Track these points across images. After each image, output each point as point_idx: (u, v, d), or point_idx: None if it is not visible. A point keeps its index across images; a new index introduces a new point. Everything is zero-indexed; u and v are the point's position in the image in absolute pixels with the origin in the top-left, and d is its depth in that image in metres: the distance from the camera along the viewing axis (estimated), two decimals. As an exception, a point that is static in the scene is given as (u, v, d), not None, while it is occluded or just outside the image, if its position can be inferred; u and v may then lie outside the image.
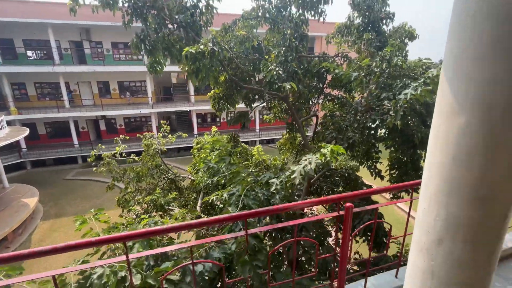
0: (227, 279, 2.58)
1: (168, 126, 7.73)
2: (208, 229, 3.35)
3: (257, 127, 27.59)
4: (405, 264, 3.06)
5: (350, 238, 2.76)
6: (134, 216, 6.06)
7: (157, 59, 4.17)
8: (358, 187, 5.43)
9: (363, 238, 5.36)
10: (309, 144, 4.56)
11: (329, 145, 2.63)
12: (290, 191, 3.08)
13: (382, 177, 5.19)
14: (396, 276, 2.97)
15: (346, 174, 5.00)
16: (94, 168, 6.40)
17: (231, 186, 3.63)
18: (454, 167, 1.16)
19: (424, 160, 5.28)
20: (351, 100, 5.48)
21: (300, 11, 4.40)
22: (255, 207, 2.61)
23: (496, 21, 0.95)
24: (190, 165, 7.94)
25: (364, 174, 6.41)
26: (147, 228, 2.73)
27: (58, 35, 20.73)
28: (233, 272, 2.53)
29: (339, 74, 3.57)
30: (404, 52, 4.36)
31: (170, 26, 3.98)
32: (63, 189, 17.99)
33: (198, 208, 5.44)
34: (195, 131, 25.01)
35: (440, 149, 1.22)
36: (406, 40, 5.84)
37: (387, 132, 4.50)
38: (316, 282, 2.82)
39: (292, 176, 2.71)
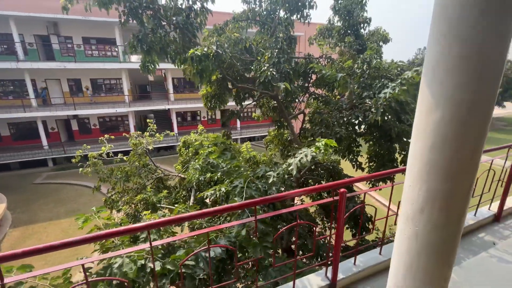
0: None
1: (155, 125, 7.68)
2: (210, 219, 3.53)
3: (238, 125, 27.72)
4: (387, 243, 3.51)
5: (344, 219, 3.10)
6: (123, 215, 6.02)
7: (149, 59, 4.20)
8: (341, 178, 5.88)
9: (346, 225, 5.85)
10: (298, 140, 4.88)
11: (322, 139, 2.95)
12: (285, 182, 3.36)
13: (362, 169, 5.69)
14: (380, 253, 3.40)
15: (331, 167, 5.42)
16: (81, 169, 6.23)
17: (231, 179, 3.83)
18: (432, 151, 1.50)
19: (398, 153, 5.84)
20: (333, 98, 5.90)
21: (288, 14, 4.68)
22: (257, 197, 2.84)
23: (461, 41, 1.29)
24: (178, 163, 7.98)
25: (345, 166, 6.91)
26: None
27: (22, 29, 19.25)
28: (240, 255, 2.74)
29: (326, 74, 3.91)
30: (380, 54, 4.86)
31: (166, 27, 4.05)
32: (33, 194, 16.88)
33: (191, 204, 5.54)
34: (175, 130, 24.55)
35: (422, 138, 1.57)
36: (381, 43, 6.40)
37: (366, 128, 4.96)
38: (314, 260, 3.14)
39: (290, 168, 2.99)
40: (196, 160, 5.78)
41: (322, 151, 2.85)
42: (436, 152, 1.52)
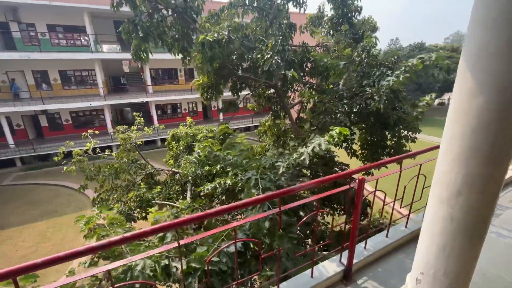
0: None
1: (142, 118, 7.28)
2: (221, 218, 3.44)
3: (221, 117, 27.30)
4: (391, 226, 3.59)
5: (361, 206, 3.18)
6: (116, 213, 5.72)
7: (143, 47, 3.88)
8: (336, 166, 6.00)
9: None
10: (298, 129, 4.88)
11: (336, 127, 2.94)
12: (293, 173, 3.35)
13: (357, 156, 5.85)
14: (386, 236, 3.53)
15: (327, 156, 5.51)
16: (65, 167, 5.77)
17: (236, 171, 3.73)
18: (473, 136, 1.53)
19: (390, 140, 6.02)
20: (327, 87, 5.93)
21: (285, 1, 4.56)
22: (273, 188, 2.81)
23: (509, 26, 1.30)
24: (169, 157, 7.69)
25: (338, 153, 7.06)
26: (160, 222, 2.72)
27: (-26, 14, 17.20)
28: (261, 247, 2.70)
29: (327, 63, 3.89)
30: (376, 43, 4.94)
31: (163, 11, 3.73)
32: (1, 197, 15.56)
33: (188, 199, 5.39)
34: (155, 124, 23.63)
35: (462, 122, 1.58)
36: (369, 32, 6.49)
37: (358, 116, 5.06)
38: (327, 248, 3.19)
39: (301, 158, 2.97)
40: (193, 153, 5.59)
41: (336, 139, 2.86)
42: (478, 137, 1.54)
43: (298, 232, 4.00)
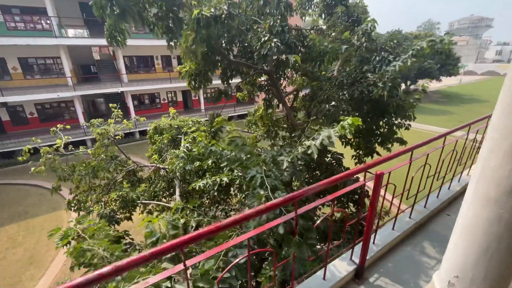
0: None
1: (119, 110, 6.60)
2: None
3: (202, 106, 26.42)
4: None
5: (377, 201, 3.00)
6: (96, 217, 5.19)
7: (120, 27, 3.27)
8: (327, 154, 5.81)
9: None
10: (294, 119, 4.58)
11: (347, 117, 2.68)
12: (296, 168, 3.08)
13: (351, 145, 5.72)
14: (393, 229, 3.41)
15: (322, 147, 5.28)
16: (33, 168, 5.07)
17: (232, 166, 3.39)
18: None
19: (382, 128, 5.90)
20: (319, 73, 5.65)
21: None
22: (280, 186, 2.52)
23: None
24: (152, 151, 7.13)
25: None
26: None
27: None
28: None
29: (328, 47, 3.58)
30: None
31: None
32: (-38, 200, 14.06)
33: (177, 197, 4.98)
34: (132, 115, 22.33)
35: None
36: (367, 15, 6.22)
37: (357, 105, 4.87)
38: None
39: (309, 152, 2.70)
40: (180, 147, 5.14)
41: (347, 130, 2.61)
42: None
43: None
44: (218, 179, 3.51)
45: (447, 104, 33.13)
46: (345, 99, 3.83)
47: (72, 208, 5.63)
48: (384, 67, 3.68)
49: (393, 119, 4.44)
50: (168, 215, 2.89)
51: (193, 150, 4.63)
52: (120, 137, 6.20)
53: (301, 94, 6.08)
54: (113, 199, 5.06)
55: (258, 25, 3.50)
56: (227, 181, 3.46)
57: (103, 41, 19.18)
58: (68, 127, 6.15)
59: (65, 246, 2.69)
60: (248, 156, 2.80)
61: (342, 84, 4.07)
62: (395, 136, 5.70)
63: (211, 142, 3.18)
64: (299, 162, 3.15)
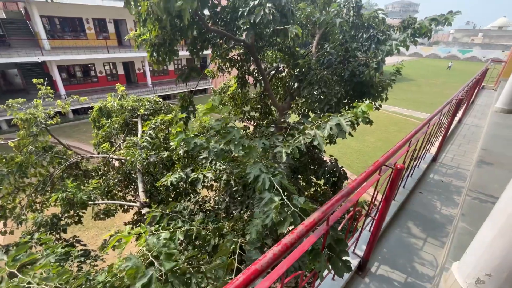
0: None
1: (49, 88, 5.10)
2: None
3: (149, 81, 23.67)
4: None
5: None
6: (32, 227, 4.07)
7: None
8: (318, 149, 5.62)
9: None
10: (276, 101, 4.11)
11: (360, 103, 2.37)
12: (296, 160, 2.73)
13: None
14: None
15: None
16: None
17: (222, 161, 2.85)
18: None
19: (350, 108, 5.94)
20: (295, 50, 5.22)
21: None
22: (291, 187, 2.14)
23: None
24: (98, 138, 5.88)
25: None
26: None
27: None
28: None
29: (320, 19, 3.12)
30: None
31: None
32: None
33: (141, 194, 4.18)
34: (61, 91, 18.72)
35: None
36: None
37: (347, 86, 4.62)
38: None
39: (315, 143, 2.35)
40: (143, 134, 4.23)
41: (360, 118, 2.32)
42: None
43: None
44: (200, 176, 2.93)
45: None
46: (336, 80, 3.54)
47: (-7, 218, 4.32)
48: (374, 46, 3.46)
49: (371, 99, 4.39)
50: (143, 228, 2.26)
51: (155, 139, 3.86)
52: (53, 123, 4.83)
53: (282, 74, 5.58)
54: (54, 202, 3.98)
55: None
56: (212, 178, 2.93)
57: None
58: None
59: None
60: (247, 151, 2.32)
61: (330, 63, 3.75)
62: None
63: (184, 130, 2.56)
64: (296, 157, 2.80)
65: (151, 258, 1.58)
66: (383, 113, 22.12)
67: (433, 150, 5.00)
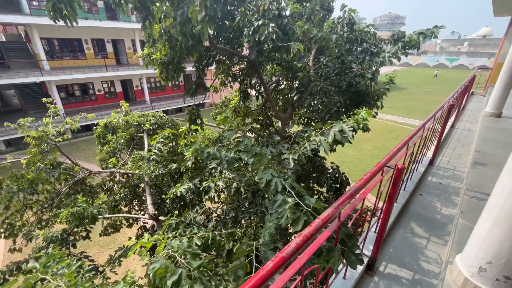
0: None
1: (57, 106, 5.27)
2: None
3: (147, 97, 23.99)
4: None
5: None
6: (42, 243, 4.10)
7: None
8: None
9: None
10: (279, 113, 4.32)
11: (361, 110, 2.57)
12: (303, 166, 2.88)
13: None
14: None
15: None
16: None
17: (229, 170, 2.99)
18: None
19: (347, 117, 6.21)
20: (293, 64, 5.50)
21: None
22: (301, 189, 2.29)
23: None
24: (104, 154, 6.00)
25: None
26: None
27: None
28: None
29: (317, 36, 3.40)
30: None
31: None
32: None
33: (149, 207, 4.26)
34: (61, 110, 18.85)
35: None
36: (345, 4, 6.22)
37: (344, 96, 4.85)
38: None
39: (321, 149, 2.52)
40: (152, 148, 4.37)
41: (362, 124, 2.52)
42: None
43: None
44: (211, 184, 3.06)
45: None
46: (335, 90, 3.78)
47: (2, 235, 4.34)
48: (368, 58, 3.73)
49: (367, 108, 4.62)
50: (161, 235, 2.36)
51: (164, 152, 4.01)
52: (61, 140, 4.95)
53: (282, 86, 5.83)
54: (64, 217, 4.03)
55: (248, 8, 3.09)
56: (223, 186, 3.06)
57: (7, 18, 15.36)
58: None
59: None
60: (258, 158, 2.48)
61: (328, 75, 4.01)
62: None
63: (204, 143, 2.72)
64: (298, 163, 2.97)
65: (178, 258, 1.69)
66: (378, 121, 22.57)
67: (430, 154, 5.22)
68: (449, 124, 7.28)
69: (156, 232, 3.28)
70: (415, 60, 69.18)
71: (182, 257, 1.74)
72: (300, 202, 2.00)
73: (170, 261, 1.66)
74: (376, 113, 5.75)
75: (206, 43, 3.25)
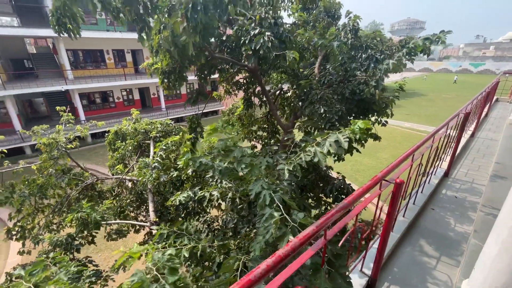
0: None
1: (70, 114, 5.52)
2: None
3: (163, 105, 24.73)
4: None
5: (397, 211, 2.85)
6: (47, 247, 4.23)
7: (72, 10, 2.45)
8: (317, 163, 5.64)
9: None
10: (281, 120, 4.26)
11: (357, 120, 2.46)
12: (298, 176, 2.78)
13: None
14: (392, 231, 3.35)
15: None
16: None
17: (227, 179, 2.95)
18: None
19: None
20: (298, 71, 5.43)
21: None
22: (291, 202, 2.19)
23: None
24: (113, 160, 6.18)
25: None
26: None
27: None
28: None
29: (319, 43, 3.33)
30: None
31: None
32: None
33: (151, 214, 4.30)
34: (82, 117, 19.87)
35: None
36: (350, 11, 6.14)
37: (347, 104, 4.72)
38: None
39: (315, 160, 2.42)
40: (155, 155, 4.45)
41: (358, 135, 2.39)
42: None
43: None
44: (206, 194, 3.03)
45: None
46: (337, 98, 3.66)
47: (14, 237, 4.54)
48: (373, 65, 3.59)
49: (375, 116, 4.44)
50: (151, 245, 2.34)
51: (166, 159, 4.04)
52: (72, 147, 5.17)
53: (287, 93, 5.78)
54: (71, 222, 4.15)
55: (245, 18, 3.09)
56: (218, 196, 3.02)
57: (38, 31, 16.56)
58: (3, 137, 4.93)
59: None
60: (249, 169, 2.42)
61: (331, 83, 3.90)
62: (370, 132, 5.79)
63: (191, 150, 2.70)
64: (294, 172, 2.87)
65: (155, 272, 1.65)
66: (396, 129, 21.77)
67: (445, 165, 4.88)
68: (469, 132, 6.83)
69: (147, 242, 3.27)
70: (436, 66, 66.65)
71: (161, 271, 1.70)
72: (287, 217, 1.89)
73: (146, 276, 1.62)
74: (386, 122, 5.52)
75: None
